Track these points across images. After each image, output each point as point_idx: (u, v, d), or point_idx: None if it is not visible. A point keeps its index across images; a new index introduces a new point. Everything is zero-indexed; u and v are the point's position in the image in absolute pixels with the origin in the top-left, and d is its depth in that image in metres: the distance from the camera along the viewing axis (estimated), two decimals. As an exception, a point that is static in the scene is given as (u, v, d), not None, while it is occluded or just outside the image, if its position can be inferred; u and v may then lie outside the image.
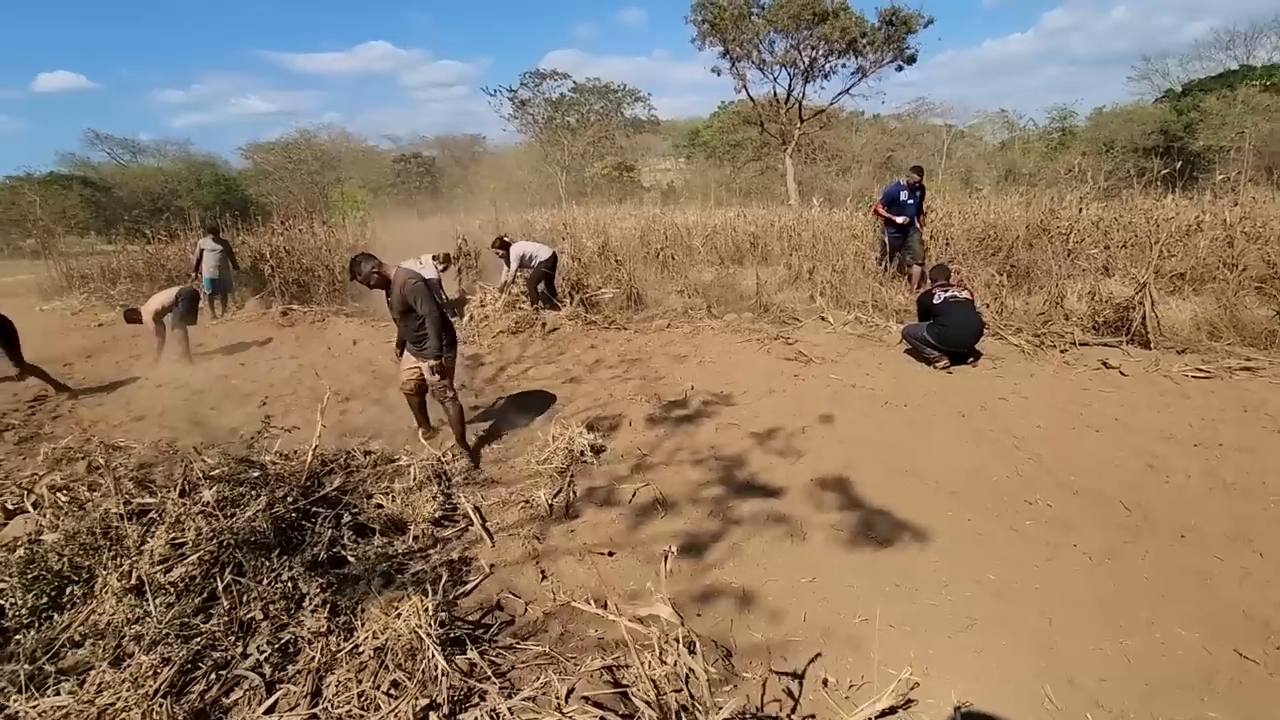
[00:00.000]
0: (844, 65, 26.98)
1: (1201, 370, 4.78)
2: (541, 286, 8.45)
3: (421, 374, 4.31)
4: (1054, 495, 3.39)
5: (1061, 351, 5.53)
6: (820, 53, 26.32)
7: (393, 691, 2.15)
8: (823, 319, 6.96)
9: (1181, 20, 64.69)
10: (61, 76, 79.03)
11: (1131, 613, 2.51)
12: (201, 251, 9.35)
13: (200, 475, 3.04)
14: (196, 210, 14.20)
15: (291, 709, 2.12)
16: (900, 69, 26.50)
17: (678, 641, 1.86)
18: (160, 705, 2.07)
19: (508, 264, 8.38)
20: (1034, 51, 76.25)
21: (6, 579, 2.57)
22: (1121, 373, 4.95)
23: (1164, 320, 5.68)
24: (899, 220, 7.79)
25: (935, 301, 5.44)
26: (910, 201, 7.78)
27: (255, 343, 8.06)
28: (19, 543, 2.80)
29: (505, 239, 8.55)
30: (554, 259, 8.56)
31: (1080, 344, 5.62)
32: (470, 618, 2.65)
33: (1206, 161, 23.88)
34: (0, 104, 72.60)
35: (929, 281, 6.05)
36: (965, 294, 5.50)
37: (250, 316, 9.31)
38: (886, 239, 8.15)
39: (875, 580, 2.79)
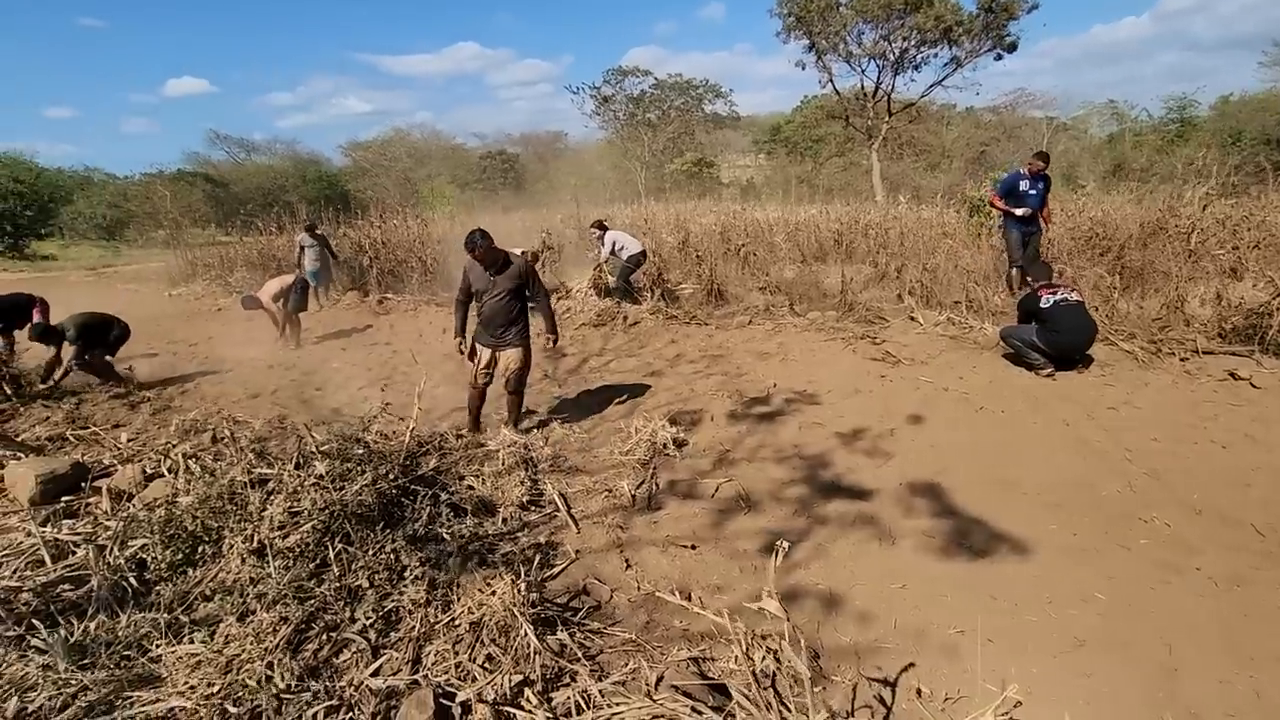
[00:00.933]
0: (936, 55, 25.85)
1: (1350, 385, 4.31)
2: (627, 282, 8.58)
3: (490, 370, 4.38)
4: (1173, 514, 3.15)
5: (1182, 360, 5.12)
6: (912, 43, 25.33)
7: (487, 665, 2.24)
8: (911, 319, 6.71)
9: (1327, -2, 57.97)
10: (188, 82, 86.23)
11: (1262, 644, 2.30)
12: (302, 248, 9.95)
13: (313, 449, 3.26)
14: (302, 204, 15.18)
15: (395, 673, 2.25)
16: (999, 58, 25.16)
17: (780, 636, 1.85)
18: (280, 659, 2.24)
19: (600, 245, 8.64)
20: (1149, 36, 70.46)
21: (149, 535, 2.84)
22: (1253, 384, 4.53)
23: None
24: (1018, 212, 7.01)
25: (1043, 305, 5.09)
26: (1033, 193, 7.04)
27: (354, 330, 8.55)
28: (158, 503, 3.09)
29: (604, 222, 8.99)
30: (643, 254, 8.66)
31: (1204, 352, 5.17)
32: (559, 600, 2.73)
33: (1355, 154, 21.36)
34: (137, 107, 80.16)
35: (1029, 284, 5.70)
36: (1076, 295, 5.16)
37: (349, 305, 9.90)
38: (1011, 236, 7.21)
39: (971, 592, 2.68)
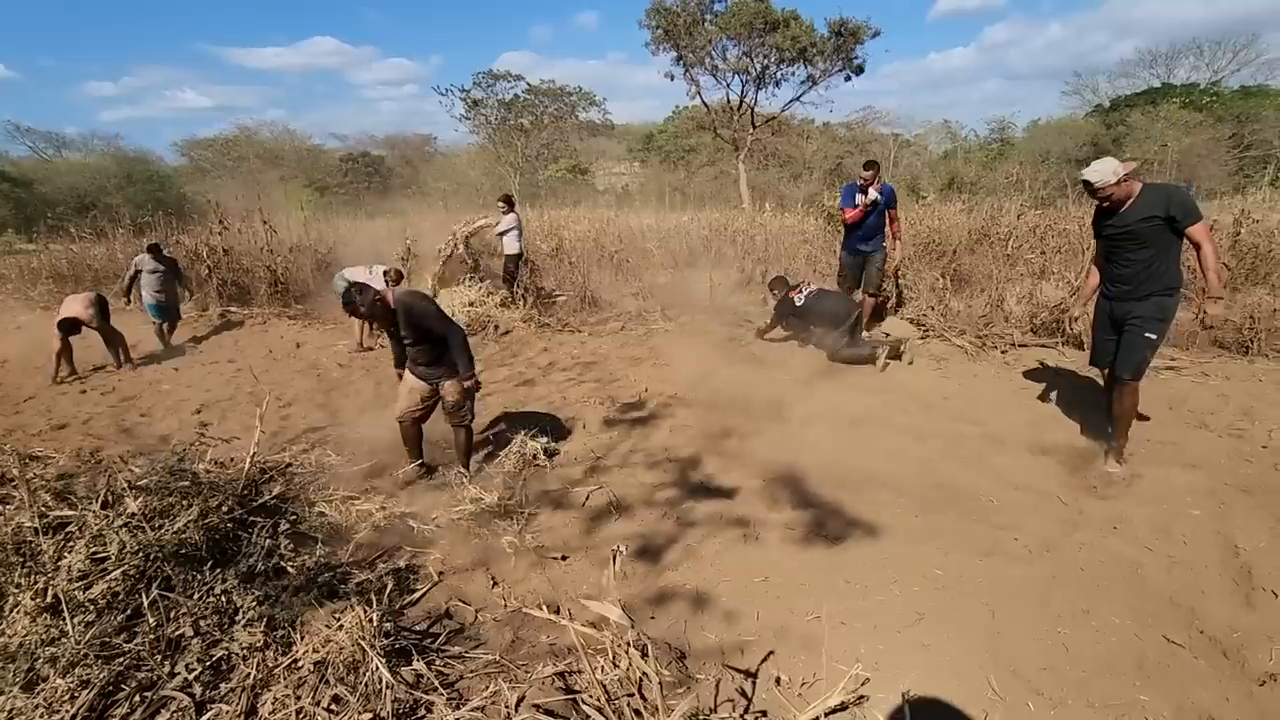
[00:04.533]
0: (794, 73, 27.60)
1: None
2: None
3: (428, 404, 3.87)
4: (997, 491, 3.50)
5: (1002, 352, 5.74)
6: (771, 60, 26.83)
7: (334, 707, 2.05)
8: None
9: (1111, 39, 68.57)
10: (-24, 64, 74.27)
11: (1069, 602, 2.59)
12: (138, 271, 7.62)
13: (126, 485, 2.86)
14: (127, 208, 13.48)
15: (224, 730, 2.00)
16: (849, 79, 27.22)
17: (629, 645, 1.83)
18: (77, 732, 1.93)
19: (502, 219, 8.81)
20: (975, 65, 79.62)
21: (-98, 601, 2.36)
22: (1057, 372, 5.16)
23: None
24: (848, 214, 6.16)
25: (799, 304, 5.98)
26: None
27: (191, 347, 7.69)
28: (-82, 561, 2.58)
29: (511, 197, 9.12)
30: (520, 257, 8.90)
31: (1020, 345, 5.84)
32: (418, 627, 2.57)
33: (1134, 173, 25.19)
34: (-95, 92, 67.84)
35: (778, 293, 6.36)
36: (817, 286, 6.22)
37: (185, 320, 8.89)
38: (841, 257, 6.55)
39: (827, 578, 2.82)
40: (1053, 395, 4.77)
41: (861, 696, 2.11)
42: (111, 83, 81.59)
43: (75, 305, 6.49)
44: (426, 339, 3.69)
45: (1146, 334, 3.50)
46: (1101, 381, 3.79)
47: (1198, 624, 2.43)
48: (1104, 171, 3.43)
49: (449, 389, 3.78)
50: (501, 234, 8.84)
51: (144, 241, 9.07)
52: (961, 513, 3.30)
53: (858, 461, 3.89)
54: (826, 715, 2.00)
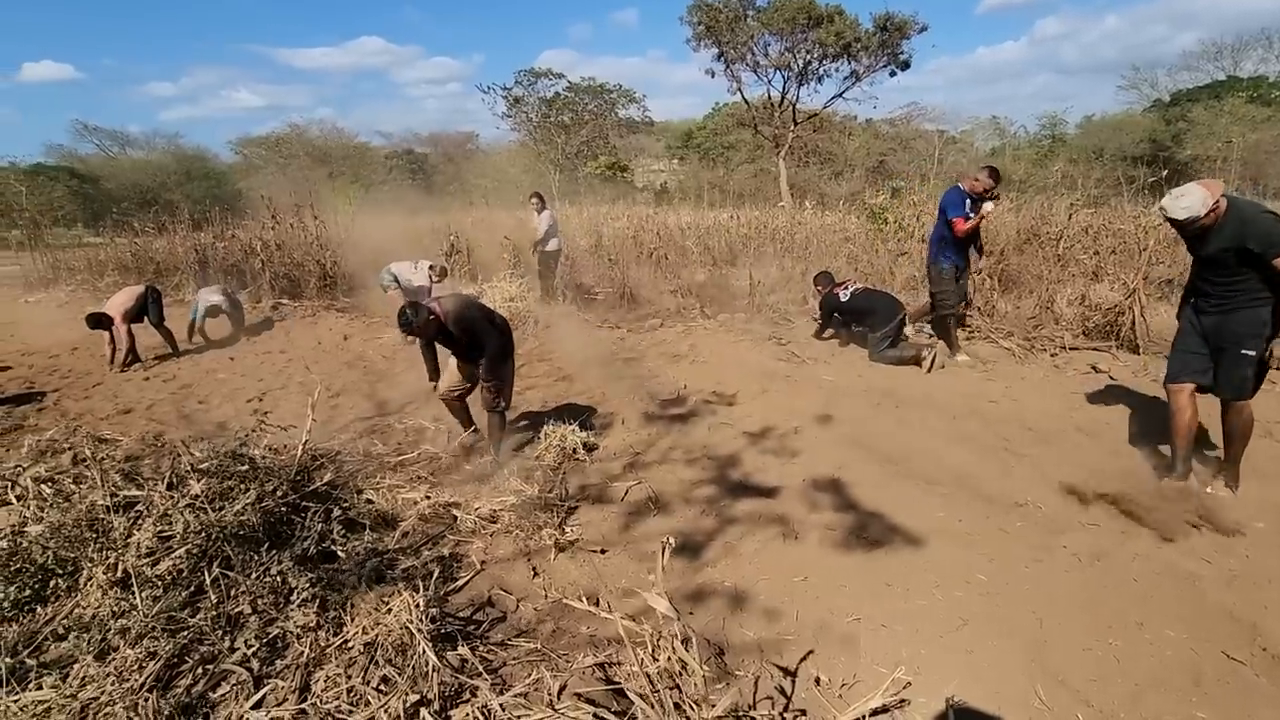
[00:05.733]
0: (837, 69, 27.21)
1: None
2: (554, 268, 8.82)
3: (469, 384, 4.20)
4: (1044, 497, 3.41)
5: (1051, 355, 5.58)
6: (814, 56, 26.52)
7: (383, 687, 2.12)
8: (816, 320, 6.97)
9: (1171, 31, 65.45)
10: (49, 67, 78.05)
11: (1121, 614, 2.52)
12: (204, 308, 7.51)
13: (188, 468, 3.00)
14: (186, 204, 14.02)
15: (279, 704, 2.09)
16: (894, 74, 26.79)
17: (674, 637, 1.85)
18: (145, 699, 2.03)
19: (538, 217, 8.77)
20: (1026, 59, 76.96)
21: (-12, 571, 2.53)
22: (1111, 377, 4.99)
23: (1152, 325, 5.73)
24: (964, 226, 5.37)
25: (844, 300, 5.88)
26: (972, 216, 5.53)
27: (245, 337, 7.99)
28: (1, 535, 2.75)
29: (542, 196, 9.00)
30: (560, 251, 8.97)
31: (1070, 348, 5.66)
32: (461, 614, 2.63)
33: (1194, 171, 24.14)
34: (-14, 91, 71.71)
35: (822, 289, 6.35)
36: (860, 284, 6.12)
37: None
38: (944, 271, 5.60)
39: (868, 581, 2.79)
40: (1104, 401, 4.62)
41: (903, 700, 2.10)
42: (171, 83, 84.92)
43: (114, 301, 6.76)
44: (472, 341, 3.94)
45: (1244, 351, 3.21)
46: (1164, 392, 3.60)
47: (1260, 641, 2.34)
48: (1193, 206, 3.05)
49: (483, 386, 4.04)
50: (542, 233, 8.79)
51: (202, 236, 9.40)
52: (1007, 519, 3.23)
53: (900, 465, 3.84)
54: (868, 717, 1.99)
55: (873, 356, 5.67)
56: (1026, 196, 12.57)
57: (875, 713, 2.03)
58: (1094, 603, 2.59)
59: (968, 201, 5.39)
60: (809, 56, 26.61)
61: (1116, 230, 8.75)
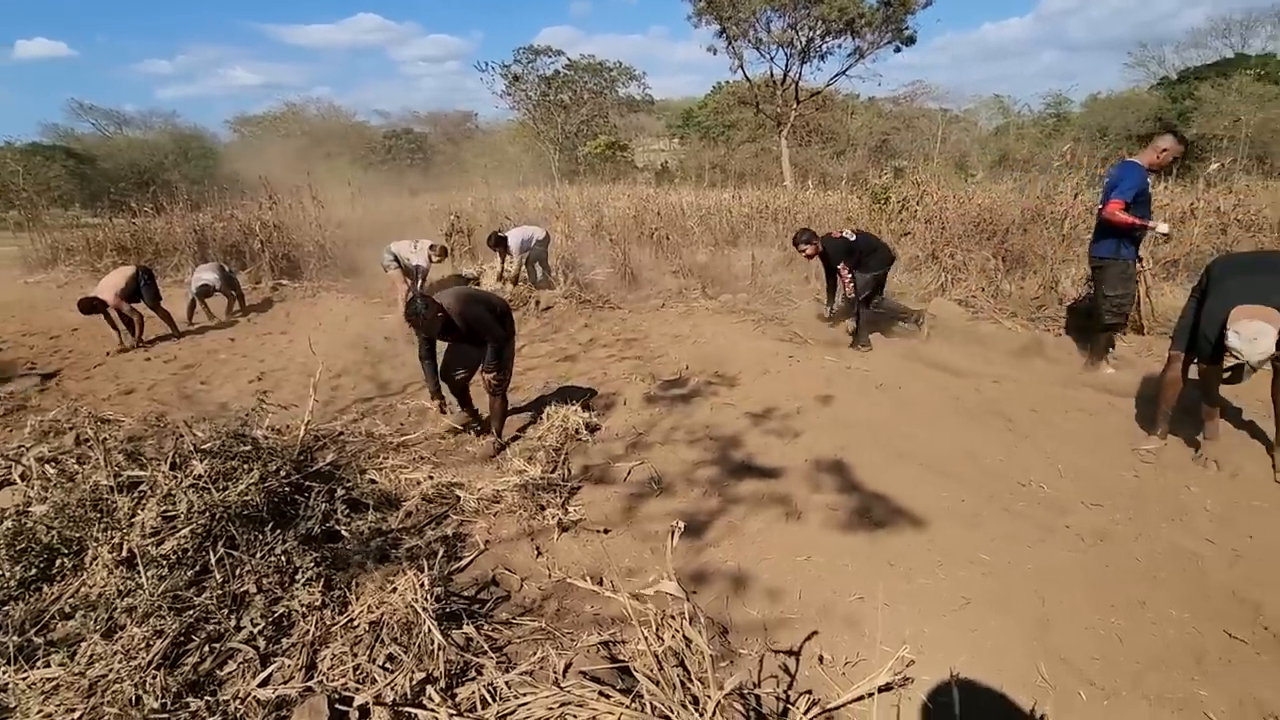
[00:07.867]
0: (840, 46, 26.82)
1: (1194, 356, 4.80)
2: (538, 267, 8.45)
3: (470, 369, 4.20)
4: (1046, 477, 3.41)
5: (1055, 335, 5.55)
6: (817, 33, 26.11)
7: (389, 665, 2.14)
8: (818, 300, 6.94)
9: (1180, 6, 64.50)
10: (41, 44, 77.12)
11: (1123, 593, 2.53)
12: (196, 287, 7.62)
13: (191, 448, 3.00)
14: (184, 184, 13.90)
15: (286, 681, 2.11)
16: (898, 50, 26.42)
17: (680, 616, 1.86)
18: (154, 677, 2.04)
19: (506, 254, 8.24)
20: (1032, 36, 76.01)
21: (-8, 551, 2.53)
22: (1115, 357, 4.97)
23: (1158, 306, 5.70)
24: (1160, 228, 4.49)
25: (854, 239, 5.58)
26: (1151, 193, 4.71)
27: (245, 318, 7.96)
28: (6, 515, 2.76)
29: (499, 233, 8.32)
30: (548, 238, 8.56)
31: (1074, 328, 5.63)
32: (466, 593, 2.64)
33: (1200, 149, 23.90)
34: (-25, 71, 70.84)
35: (809, 245, 5.73)
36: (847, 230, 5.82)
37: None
38: (1125, 271, 4.68)
39: (871, 561, 2.80)
40: (1108, 381, 4.60)
41: (907, 679, 2.11)
42: (167, 60, 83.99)
43: (105, 282, 6.71)
44: (476, 332, 3.94)
45: None
46: (1160, 365, 3.58)
47: (1262, 620, 2.35)
48: (1265, 348, 2.84)
49: (482, 376, 4.03)
50: (519, 267, 8.25)
51: (201, 216, 9.32)
52: (1010, 499, 3.23)
53: (902, 445, 3.83)
54: (872, 695, 2.00)
55: (868, 304, 5.59)
56: (1030, 175, 12.46)
57: (880, 690, 2.04)
58: (1097, 582, 2.60)
59: (1149, 179, 4.49)
60: (812, 33, 26.20)
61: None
